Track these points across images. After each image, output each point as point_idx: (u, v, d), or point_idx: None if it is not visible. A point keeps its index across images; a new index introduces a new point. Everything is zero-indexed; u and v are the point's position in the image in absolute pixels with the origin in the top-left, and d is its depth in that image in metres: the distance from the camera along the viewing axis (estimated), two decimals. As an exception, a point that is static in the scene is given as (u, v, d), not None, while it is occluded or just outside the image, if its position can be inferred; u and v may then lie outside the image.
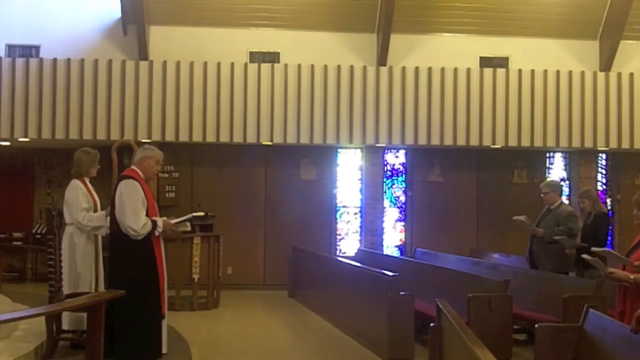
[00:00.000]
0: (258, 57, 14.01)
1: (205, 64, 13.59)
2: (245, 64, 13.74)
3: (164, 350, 7.22)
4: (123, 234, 6.89)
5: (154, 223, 7.01)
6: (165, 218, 7.29)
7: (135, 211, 6.89)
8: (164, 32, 13.89)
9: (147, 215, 7.02)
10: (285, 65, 13.77)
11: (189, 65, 13.57)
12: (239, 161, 14.37)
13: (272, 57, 14.02)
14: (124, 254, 6.95)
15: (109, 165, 9.21)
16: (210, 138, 13.58)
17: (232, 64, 13.64)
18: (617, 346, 5.23)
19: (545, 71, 14.02)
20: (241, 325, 10.59)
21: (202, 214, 11.57)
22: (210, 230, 11.85)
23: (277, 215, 14.41)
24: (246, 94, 13.61)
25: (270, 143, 13.81)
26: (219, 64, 13.61)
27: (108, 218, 7.40)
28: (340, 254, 14.39)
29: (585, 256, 5.77)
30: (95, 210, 7.96)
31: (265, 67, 13.72)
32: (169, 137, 13.48)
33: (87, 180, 8.05)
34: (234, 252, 13.57)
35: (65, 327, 7.64)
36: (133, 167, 7.31)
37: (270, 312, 11.64)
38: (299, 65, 13.73)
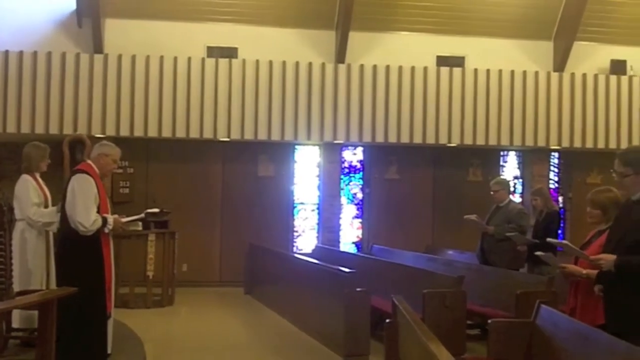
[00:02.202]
0: (216, 52, 13.90)
1: (162, 58, 13.45)
2: (203, 59, 13.63)
3: (109, 350, 7.06)
4: (71, 229, 6.72)
5: (105, 220, 6.87)
6: (116, 216, 7.15)
7: (86, 207, 6.74)
8: (120, 25, 13.70)
9: (98, 211, 6.88)
10: (243, 60, 13.70)
11: (145, 59, 13.41)
12: (196, 157, 14.25)
13: (230, 53, 13.92)
14: (70, 250, 6.78)
15: (61, 160, 9.05)
16: (166, 133, 13.45)
17: (189, 59, 13.53)
18: (568, 341, 5.32)
19: (500, 71, 14.20)
20: (196, 322, 10.49)
21: (156, 210, 11.39)
22: (165, 226, 11.70)
23: (234, 212, 14.33)
24: (203, 89, 13.51)
25: (228, 139, 13.73)
26: (175, 59, 13.48)
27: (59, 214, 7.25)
28: (298, 251, 14.38)
29: (538, 253, 5.84)
30: (46, 206, 7.81)
31: (223, 62, 13.63)
32: (124, 132, 13.30)
33: (37, 175, 7.89)
34: (190, 248, 13.46)
35: (15, 325, 7.48)
36: (89, 161, 7.17)
37: (226, 309, 11.57)
38: (257, 61, 13.68)
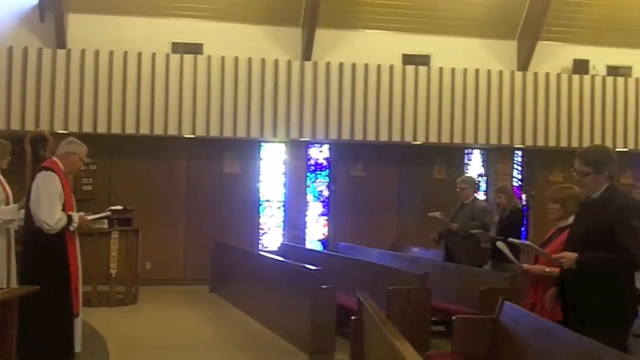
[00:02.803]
0: (180, 48, 13.78)
1: (126, 53, 13.31)
2: (167, 55, 13.52)
3: (77, 349, 6.97)
4: (36, 227, 6.64)
5: (70, 218, 6.78)
6: (82, 213, 7.05)
7: (51, 205, 6.64)
8: (83, 20, 13.51)
9: (63, 209, 6.78)
10: (209, 57, 13.61)
11: (109, 55, 13.26)
12: (160, 154, 14.12)
13: (195, 49, 13.82)
14: (36, 249, 6.69)
15: (22, 156, 8.90)
16: (130, 130, 13.32)
17: (154, 55, 13.41)
18: (531, 336, 5.37)
19: (465, 70, 14.31)
20: (160, 321, 10.40)
21: (120, 207, 11.34)
22: (129, 224, 11.58)
23: (199, 209, 14.24)
24: (168, 85, 13.40)
25: (192, 136, 13.64)
26: (139, 54, 13.35)
27: (21, 211, 7.12)
28: (263, 249, 14.33)
29: (498, 244, 5.88)
30: (7, 203, 7.65)
31: (188, 58, 13.53)
32: (87, 128, 13.14)
33: (-2, 172, 7.74)
34: (154, 246, 13.33)
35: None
36: (54, 158, 7.05)
37: (190, 307, 11.50)
38: (223, 58, 13.61)
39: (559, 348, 4.89)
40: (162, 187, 14.12)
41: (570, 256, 4.75)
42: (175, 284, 13.71)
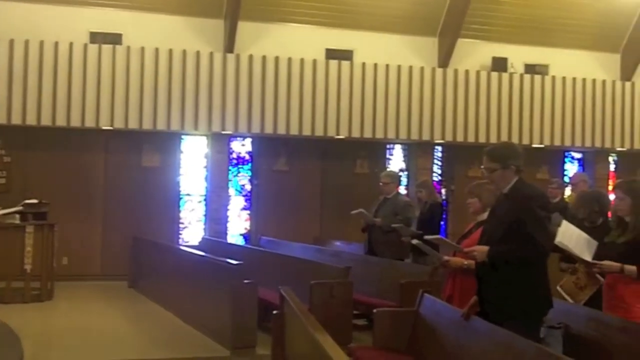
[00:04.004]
0: (99, 38, 13.43)
1: (42, 43, 12.89)
2: (85, 45, 13.16)
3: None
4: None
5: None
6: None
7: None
8: (-4, 7, 13.03)
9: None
10: (128, 47, 13.32)
11: (24, 44, 12.81)
12: (77, 146, 13.73)
13: (114, 39, 13.49)
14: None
15: None
16: (46, 121, 12.92)
17: (71, 44, 13.03)
18: (450, 329, 5.47)
19: (388, 65, 14.45)
20: (78, 317, 10.17)
21: (35, 201, 11.01)
22: (44, 218, 11.24)
23: (117, 203, 13.92)
24: (85, 76, 13.05)
25: (111, 128, 13.33)
26: (56, 44, 12.95)
27: None
28: (184, 243, 14.14)
29: (415, 242, 5.95)
30: None
31: (107, 48, 13.20)
32: (0, 119, 12.69)
33: None
34: (70, 241, 12.96)
35: None
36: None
37: (109, 303, 11.27)
38: (143, 49, 13.34)
39: (476, 339, 5.00)
40: (79, 181, 13.74)
41: (481, 249, 4.87)
42: (93, 279, 13.38)
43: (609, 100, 15.56)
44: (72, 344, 8.35)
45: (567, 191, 11.97)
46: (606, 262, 5.32)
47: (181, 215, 14.51)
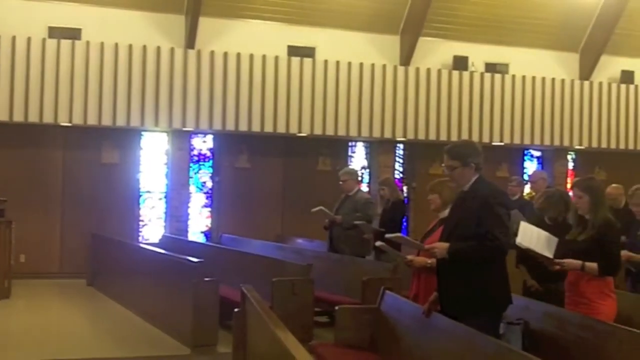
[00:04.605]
0: (58, 33, 13.19)
1: (-2, 37, 12.67)
2: (44, 40, 12.94)
3: None
4: None
5: None
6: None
7: None
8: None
9: None
10: (87, 42, 13.13)
11: (-21, 37, 12.57)
12: (34, 142, 13.48)
13: (73, 34, 13.27)
14: None
15: None
16: (3, 117, 12.69)
17: (29, 39, 12.80)
18: (410, 325, 5.49)
19: (350, 63, 14.46)
20: (35, 315, 10.03)
21: (-9, 198, 10.81)
22: (2, 215, 11.08)
23: (76, 200, 13.71)
24: (44, 71, 12.84)
25: (69, 124, 13.13)
26: (14, 38, 12.72)
27: None
28: (143, 241, 13.99)
29: (378, 243, 5.97)
30: None
31: (66, 43, 13.00)
32: (-45, 114, 12.44)
33: None
34: (28, 238, 12.73)
35: None
36: None
37: (67, 301, 11.13)
38: (102, 44, 13.16)
39: (436, 336, 5.03)
40: (37, 177, 13.51)
41: (442, 246, 4.90)
42: (51, 277, 13.17)
43: (568, 99, 15.80)
44: (29, 342, 8.22)
45: (527, 189, 12.14)
46: (567, 260, 5.38)
47: (141, 212, 14.36)
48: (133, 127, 13.61)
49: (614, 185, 9.14)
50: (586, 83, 16.01)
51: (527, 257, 5.85)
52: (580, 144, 15.92)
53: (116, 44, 13.23)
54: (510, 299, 4.94)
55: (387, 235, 5.63)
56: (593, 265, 5.32)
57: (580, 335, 4.91)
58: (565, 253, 5.47)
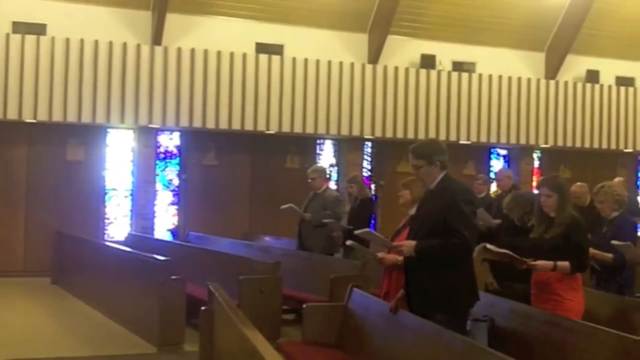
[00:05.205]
0: (22, 28, 12.96)
1: (-40, 31, 12.43)
2: (8, 35, 12.72)
3: None
4: None
5: None
6: None
7: None
8: None
9: None
10: (53, 38, 12.94)
11: (-60, 32, 12.32)
12: (-2, 139, 13.30)
13: (38, 29, 13.06)
14: None
15: None
16: (-35, 113, 12.47)
17: (-8, 34, 12.61)
18: (378, 323, 5.51)
19: (318, 61, 14.45)
20: (-2, 314, 9.86)
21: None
22: (-37, 213, 10.87)
23: (40, 198, 13.52)
24: (8, 67, 12.62)
25: (34, 120, 12.94)
26: (-24, 33, 12.51)
27: None
28: (109, 239, 13.84)
29: (349, 242, 5.98)
30: None
31: (30, 39, 12.79)
32: None
33: None
34: (-9, 237, 12.57)
35: None
36: None
37: (31, 300, 10.98)
38: (67, 39, 12.98)
39: (403, 333, 5.05)
40: (1, 174, 13.30)
41: (409, 244, 4.92)
42: (15, 275, 12.96)
43: (534, 98, 15.96)
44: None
45: (493, 187, 12.24)
46: (540, 262, 5.40)
47: (107, 210, 14.20)
48: (99, 124, 13.46)
49: (578, 183, 9.27)
50: (552, 82, 16.19)
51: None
52: (546, 143, 16.09)
53: (82, 40, 13.06)
54: (477, 296, 4.98)
55: (356, 232, 5.64)
56: (565, 264, 5.38)
57: (546, 332, 4.96)
58: (531, 251, 5.51)
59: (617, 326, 4.90)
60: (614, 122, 16.49)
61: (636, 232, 7.40)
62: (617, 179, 11.39)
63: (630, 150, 16.73)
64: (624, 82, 16.75)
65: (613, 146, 16.47)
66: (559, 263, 5.37)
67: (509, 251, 5.38)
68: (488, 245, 5.22)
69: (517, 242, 5.88)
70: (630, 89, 16.69)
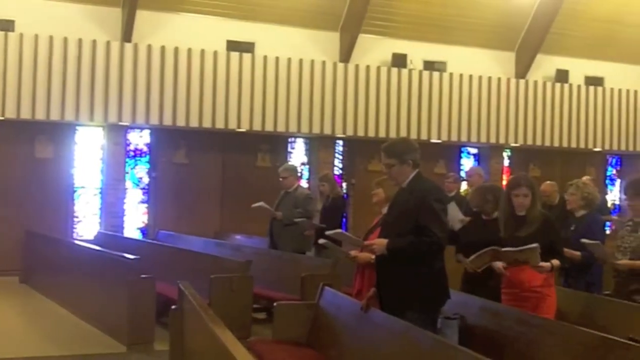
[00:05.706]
0: (-12, 24, 12.83)
1: None
2: (-26, 31, 12.55)
3: None
4: None
5: None
6: None
7: None
8: None
9: None
10: (21, 34, 12.77)
11: None
12: (-36, 136, 13.10)
13: (6, 26, 12.87)
14: None
15: None
16: None
17: (-42, 29, 12.40)
18: (349, 321, 5.51)
19: (290, 59, 14.42)
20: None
21: None
22: None
23: (8, 196, 13.32)
24: (-26, 63, 12.45)
25: (2, 117, 12.77)
26: (-59, 28, 12.29)
27: None
28: (78, 237, 13.70)
29: (321, 241, 5.97)
30: None
31: (-2, 35, 12.65)
32: None
33: None
34: (-43, 235, 12.36)
35: None
36: None
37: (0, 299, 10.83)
38: (36, 36, 12.82)
39: (374, 331, 5.05)
40: (-34, 172, 13.11)
41: (380, 242, 4.94)
42: (-19, 275, 12.79)
43: (504, 97, 16.09)
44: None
45: (464, 185, 12.33)
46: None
47: (75, 208, 14.06)
48: (67, 121, 13.31)
49: (548, 182, 9.37)
50: (522, 81, 16.33)
51: (468, 244, 5.97)
52: (516, 142, 16.24)
53: (51, 37, 12.90)
54: (448, 294, 5.01)
55: (328, 232, 5.64)
56: (557, 262, 5.46)
57: (516, 330, 4.99)
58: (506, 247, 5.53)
59: (585, 323, 4.96)
60: (583, 121, 16.68)
61: (604, 230, 7.50)
62: (585, 178, 11.52)
63: (599, 149, 16.95)
64: (593, 81, 16.94)
65: (582, 145, 16.67)
66: (554, 262, 5.45)
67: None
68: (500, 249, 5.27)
69: (496, 243, 5.86)
70: (599, 89, 16.89)
